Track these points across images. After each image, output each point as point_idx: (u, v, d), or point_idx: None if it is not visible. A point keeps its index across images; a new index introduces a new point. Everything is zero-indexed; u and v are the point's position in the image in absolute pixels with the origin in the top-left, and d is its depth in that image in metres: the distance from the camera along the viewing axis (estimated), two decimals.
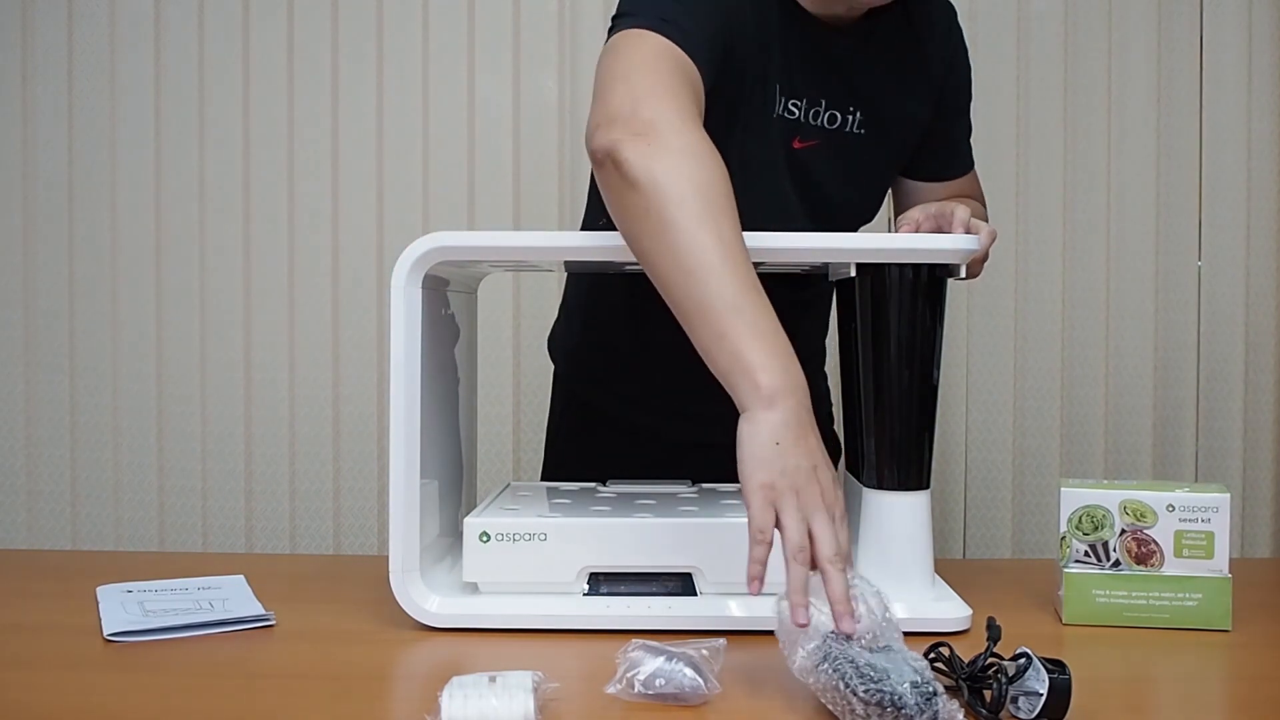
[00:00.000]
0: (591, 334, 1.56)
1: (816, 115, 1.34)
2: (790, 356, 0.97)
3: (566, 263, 1.39)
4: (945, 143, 1.47)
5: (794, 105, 1.33)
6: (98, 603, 1.17)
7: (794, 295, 1.47)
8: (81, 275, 2.24)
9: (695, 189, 1.00)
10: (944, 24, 1.42)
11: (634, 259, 1.23)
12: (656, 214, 1.00)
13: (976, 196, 1.51)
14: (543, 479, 1.60)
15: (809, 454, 0.94)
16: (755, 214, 1.33)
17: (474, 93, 2.18)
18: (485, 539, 1.11)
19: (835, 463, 1.55)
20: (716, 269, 0.97)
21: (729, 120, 1.31)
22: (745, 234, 1.11)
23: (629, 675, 0.89)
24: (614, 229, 1.47)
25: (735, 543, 1.12)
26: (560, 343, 1.64)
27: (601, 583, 1.12)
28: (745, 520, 1.13)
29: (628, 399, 1.51)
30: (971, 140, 1.52)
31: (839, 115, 1.35)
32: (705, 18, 1.18)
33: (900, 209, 1.50)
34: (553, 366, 1.69)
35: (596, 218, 1.52)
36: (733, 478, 1.37)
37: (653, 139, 1.04)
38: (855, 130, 1.36)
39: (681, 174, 1.01)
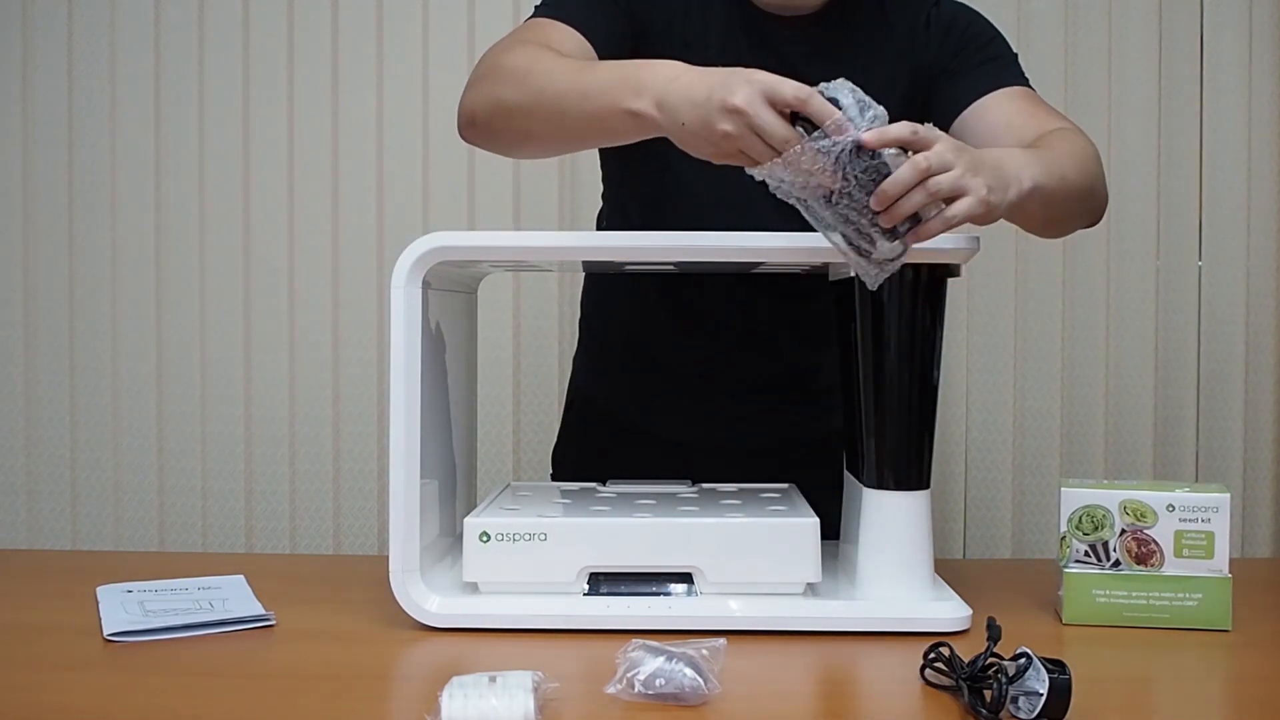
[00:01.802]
0: (595, 337, 1.57)
1: None
2: (638, 66, 1.06)
3: (565, 262, 1.39)
4: (952, 80, 1.37)
5: None
6: (98, 603, 1.17)
7: (798, 311, 1.47)
8: (81, 275, 2.24)
9: (525, 73, 1.12)
10: (925, 8, 1.38)
11: (633, 259, 1.24)
12: (517, 108, 1.12)
13: (1041, 111, 1.33)
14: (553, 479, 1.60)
15: (707, 97, 0.99)
16: (718, 208, 1.34)
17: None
18: (485, 539, 1.11)
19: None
20: (565, 86, 1.10)
21: None
22: (744, 234, 1.12)
23: (629, 675, 0.89)
24: (618, 227, 1.48)
25: (735, 543, 1.12)
26: (578, 350, 1.63)
27: (601, 583, 1.12)
28: (745, 520, 1.13)
29: (634, 401, 1.51)
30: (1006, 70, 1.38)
31: None
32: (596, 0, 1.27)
33: (975, 142, 1.36)
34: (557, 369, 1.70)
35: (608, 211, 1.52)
36: (737, 478, 1.38)
37: (487, 81, 1.16)
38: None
39: (517, 74, 1.13)
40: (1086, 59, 2.14)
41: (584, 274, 1.57)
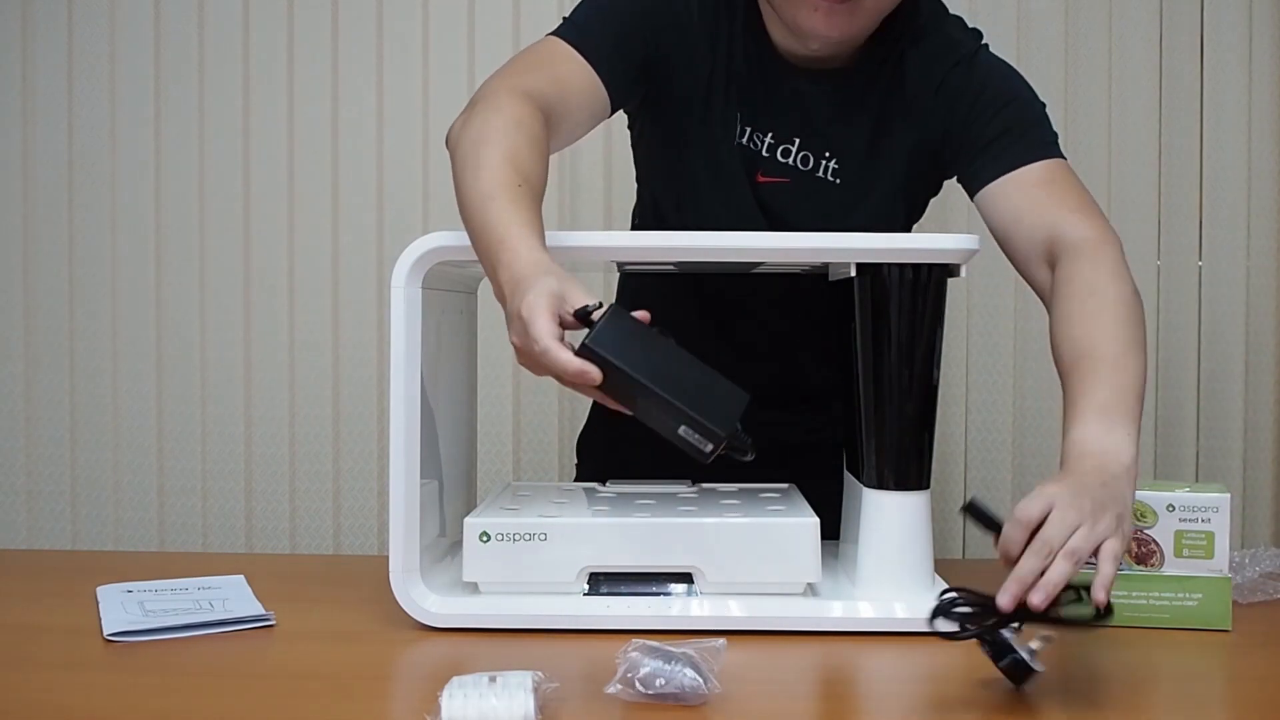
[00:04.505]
0: None
1: (787, 153, 1.33)
2: (501, 247, 1.00)
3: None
4: (977, 151, 1.30)
5: (757, 138, 1.32)
6: (98, 603, 1.17)
7: (821, 327, 1.46)
8: (81, 275, 2.24)
9: (479, 149, 1.08)
10: (941, 66, 1.32)
11: (632, 259, 1.24)
12: (456, 178, 1.10)
13: (1055, 197, 1.26)
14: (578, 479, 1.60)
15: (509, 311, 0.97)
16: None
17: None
18: (485, 539, 1.11)
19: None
20: (469, 206, 1.05)
21: (684, 139, 1.33)
22: (744, 234, 1.12)
23: (629, 675, 0.89)
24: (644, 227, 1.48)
25: (735, 543, 1.12)
26: None
27: (601, 583, 1.12)
28: (745, 520, 1.14)
29: None
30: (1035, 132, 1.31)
31: (812, 158, 1.33)
32: (620, 26, 1.26)
33: (992, 227, 1.29)
34: None
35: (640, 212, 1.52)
36: (745, 478, 1.38)
37: (469, 114, 1.14)
38: (829, 178, 1.33)
39: (475, 138, 1.09)
40: (1086, 59, 2.14)
41: (619, 273, 1.57)
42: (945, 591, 0.96)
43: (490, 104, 1.14)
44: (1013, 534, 0.94)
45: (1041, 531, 0.93)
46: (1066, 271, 1.19)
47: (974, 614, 0.93)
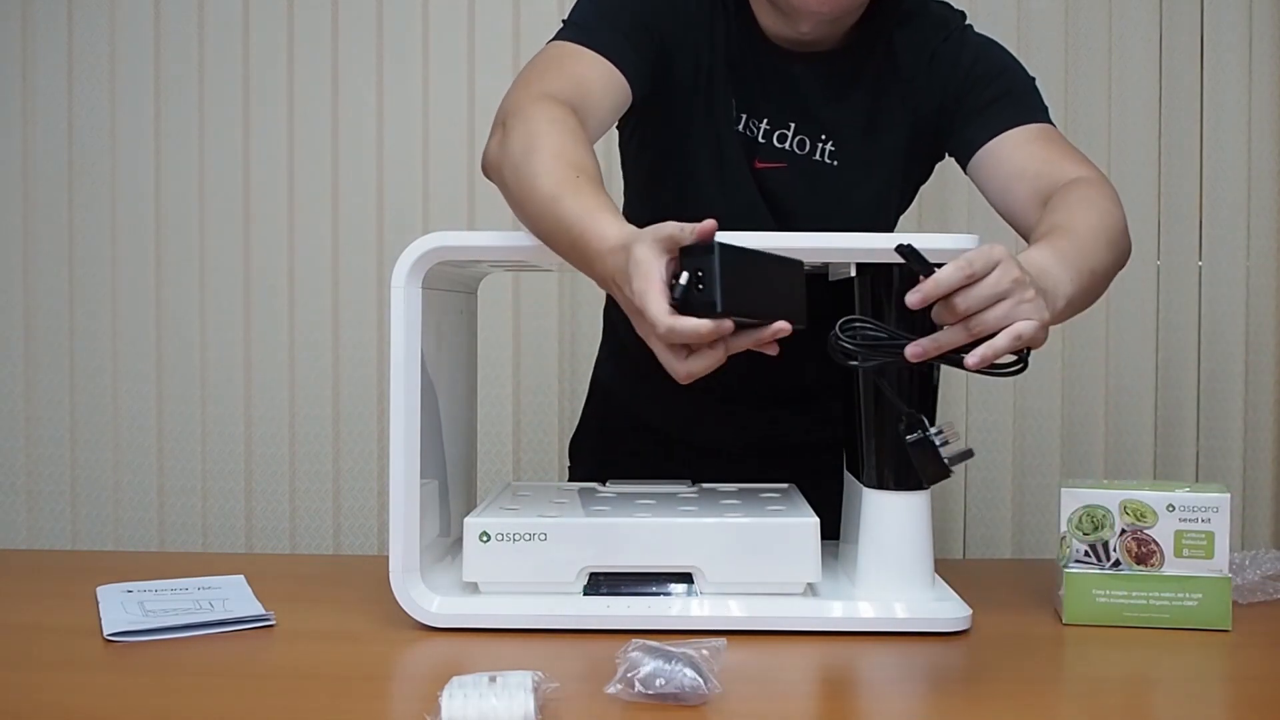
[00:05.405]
0: (616, 336, 1.56)
1: (783, 138, 1.33)
2: (586, 238, 1.01)
3: None
4: (974, 114, 1.31)
5: (753, 124, 1.32)
6: (98, 603, 1.17)
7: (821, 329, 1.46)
8: (81, 275, 2.24)
9: (528, 159, 1.09)
10: (931, 40, 1.34)
11: None
12: (512, 195, 1.11)
13: (1057, 152, 1.26)
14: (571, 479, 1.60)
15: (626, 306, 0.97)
16: (730, 229, 1.34)
17: (474, 93, 2.18)
18: (485, 539, 1.11)
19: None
20: (539, 210, 1.07)
21: (684, 130, 1.33)
22: (742, 234, 1.12)
23: (629, 675, 0.89)
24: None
25: (735, 543, 1.12)
26: (601, 344, 1.63)
27: (601, 583, 1.12)
28: (745, 520, 1.13)
29: (653, 403, 1.50)
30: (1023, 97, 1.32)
31: (809, 141, 1.33)
32: (628, 21, 1.25)
33: (990, 186, 1.30)
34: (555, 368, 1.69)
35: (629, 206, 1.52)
36: (745, 477, 1.38)
37: (502, 133, 1.15)
38: (826, 160, 1.34)
39: (520, 150, 1.10)
40: (1086, 59, 2.14)
41: None
42: (850, 320, 0.94)
43: (521, 115, 1.14)
44: (951, 276, 0.90)
45: (972, 288, 0.91)
46: (1065, 187, 1.19)
47: (877, 345, 0.92)
